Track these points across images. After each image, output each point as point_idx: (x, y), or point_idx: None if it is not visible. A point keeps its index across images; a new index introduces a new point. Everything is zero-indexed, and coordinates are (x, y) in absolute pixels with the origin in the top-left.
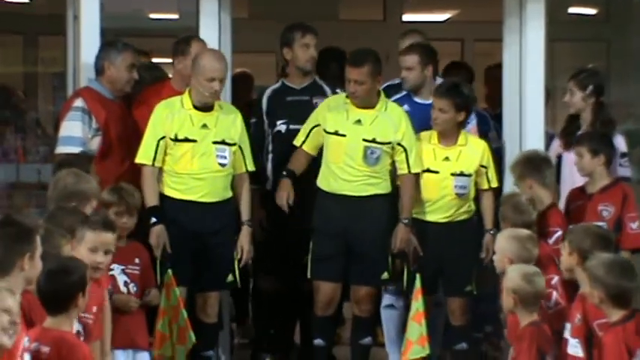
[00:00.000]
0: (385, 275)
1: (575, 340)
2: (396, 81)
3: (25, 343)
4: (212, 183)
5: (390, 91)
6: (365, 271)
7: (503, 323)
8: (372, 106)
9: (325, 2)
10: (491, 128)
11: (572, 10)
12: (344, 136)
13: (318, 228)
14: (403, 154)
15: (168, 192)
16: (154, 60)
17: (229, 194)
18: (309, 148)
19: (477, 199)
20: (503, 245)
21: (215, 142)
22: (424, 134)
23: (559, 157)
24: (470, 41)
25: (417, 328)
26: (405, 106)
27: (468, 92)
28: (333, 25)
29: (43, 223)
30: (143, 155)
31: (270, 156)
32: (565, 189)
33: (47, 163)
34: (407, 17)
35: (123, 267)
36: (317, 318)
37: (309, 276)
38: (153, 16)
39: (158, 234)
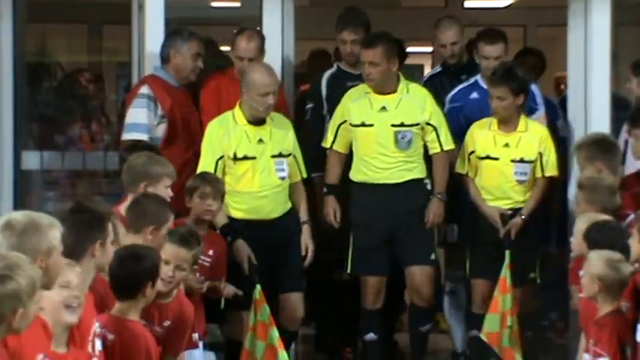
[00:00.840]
0: (433, 256)
1: None
2: (438, 69)
3: (96, 329)
4: (274, 199)
5: (433, 81)
6: (414, 252)
7: (571, 310)
8: (393, 91)
9: None
10: (559, 116)
11: None
12: (371, 125)
13: (358, 222)
14: (434, 133)
15: (233, 213)
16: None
17: (290, 205)
18: (339, 147)
19: None
20: (584, 229)
21: (273, 156)
22: (484, 121)
23: (626, 143)
24: (532, 27)
25: (509, 300)
26: (475, 94)
27: (523, 74)
28: (395, 12)
29: (127, 210)
30: None
31: None
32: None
33: (112, 150)
34: (468, 4)
35: None
36: (366, 312)
37: (349, 271)
38: (215, 4)
39: (240, 248)
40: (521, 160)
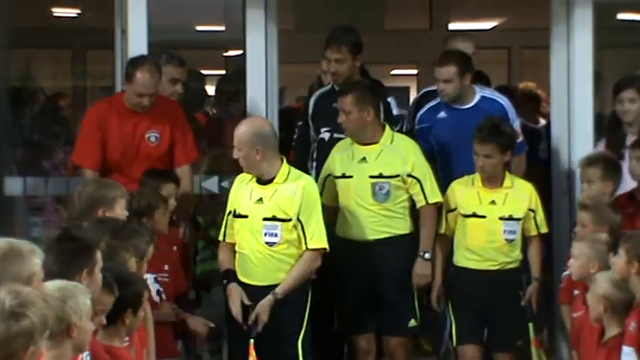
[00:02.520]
0: (413, 323)
1: (630, 348)
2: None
3: (84, 357)
4: (263, 264)
5: (427, 97)
6: (392, 320)
7: (558, 331)
8: (375, 141)
9: (371, 12)
10: (543, 138)
11: (621, 16)
12: (351, 177)
13: (340, 281)
14: (417, 186)
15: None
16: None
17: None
18: (327, 200)
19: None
20: (589, 251)
21: (265, 219)
22: (466, 178)
23: None
24: (517, 49)
25: None
26: (442, 113)
27: (509, 129)
28: (380, 35)
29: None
30: (221, 232)
31: (314, 164)
32: None
33: None
34: (453, 26)
35: (155, 275)
36: None
37: (335, 328)
38: (199, 28)
39: (231, 292)
40: (510, 218)
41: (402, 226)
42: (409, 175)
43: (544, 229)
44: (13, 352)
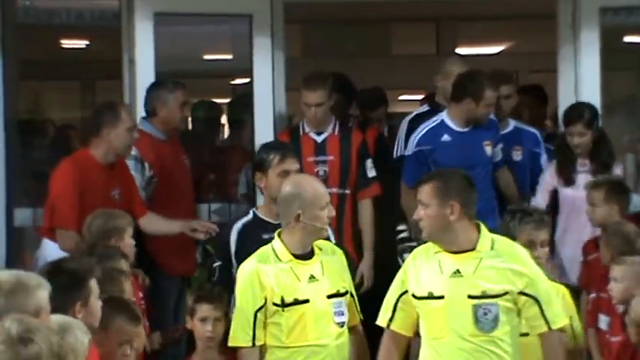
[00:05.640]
0: None
1: None
2: (425, 108)
3: None
4: (340, 352)
5: (419, 120)
6: None
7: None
8: (471, 248)
9: (377, 38)
10: (542, 151)
11: (627, 39)
12: (441, 298)
13: None
14: (535, 307)
15: None
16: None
17: None
18: (401, 327)
19: None
20: (632, 274)
21: (330, 296)
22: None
23: (554, 192)
24: (524, 73)
25: None
26: (445, 136)
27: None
28: (386, 60)
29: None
30: (238, 336)
31: None
32: (563, 228)
33: None
34: (460, 50)
35: None
36: None
37: None
38: (207, 57)
39: None
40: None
41: None
42: (522, 293)
43: None
44: None
